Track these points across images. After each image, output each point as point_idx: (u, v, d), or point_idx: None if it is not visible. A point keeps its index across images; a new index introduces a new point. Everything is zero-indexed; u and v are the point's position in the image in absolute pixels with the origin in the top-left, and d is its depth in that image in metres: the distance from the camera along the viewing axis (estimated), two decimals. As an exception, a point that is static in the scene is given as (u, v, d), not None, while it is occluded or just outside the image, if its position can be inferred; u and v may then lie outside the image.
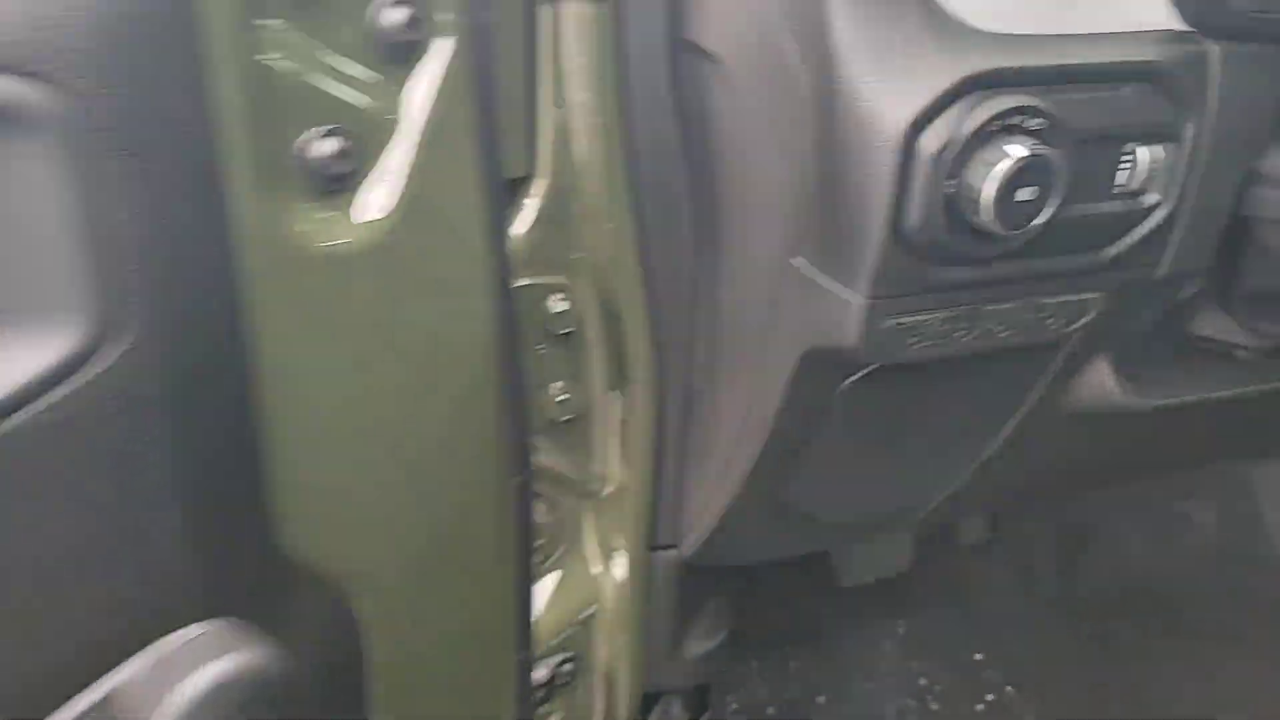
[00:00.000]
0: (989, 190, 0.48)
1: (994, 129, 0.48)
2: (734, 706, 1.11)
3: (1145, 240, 0.56)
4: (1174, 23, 0.55)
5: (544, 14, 0.59)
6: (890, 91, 0.48)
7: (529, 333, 0.68)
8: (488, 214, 0.52)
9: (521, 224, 0.66)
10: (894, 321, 0.53)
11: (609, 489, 0.78)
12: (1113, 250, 0.55)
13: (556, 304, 0.70)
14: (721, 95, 0.57)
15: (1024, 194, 0.48)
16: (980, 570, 1.25)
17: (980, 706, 1.14)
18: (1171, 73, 0.52)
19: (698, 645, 0.84)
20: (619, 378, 0.72)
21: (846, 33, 0.49)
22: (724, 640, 0.87)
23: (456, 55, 0.47)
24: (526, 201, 0.66)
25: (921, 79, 0.48)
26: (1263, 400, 0.75)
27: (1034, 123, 0.49)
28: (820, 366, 0.58)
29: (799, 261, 0.55)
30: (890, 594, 1.21)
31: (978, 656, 1.18)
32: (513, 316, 0.55)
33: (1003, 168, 0.47)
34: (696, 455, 0.71)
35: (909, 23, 0.49)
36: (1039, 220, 0.50)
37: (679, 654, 0.83)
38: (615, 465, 0.77)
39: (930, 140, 0.48)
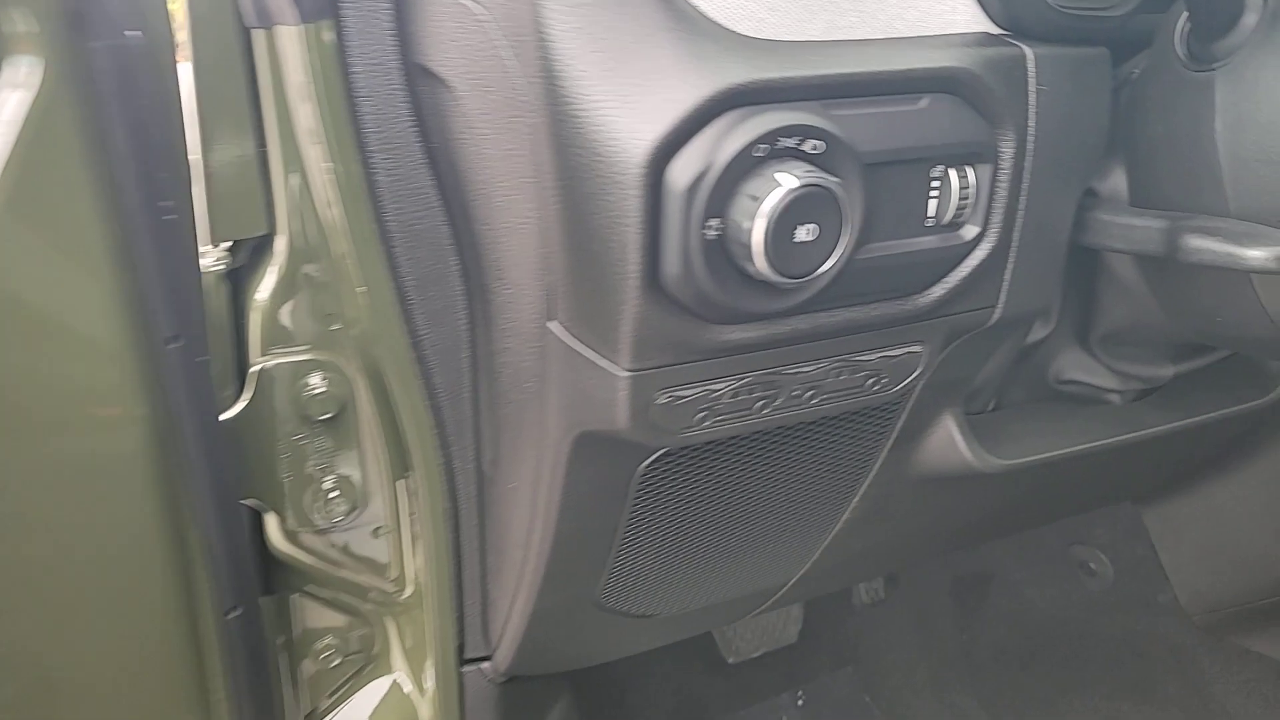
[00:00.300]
0: (758, 231, 0.38)
1: (761, 154, 0.39)
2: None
3: (971, 280, 0.47)
4: (983, 24, 0.46)
5: (259, 40, 0.49)
6: (627, 112, 0.38)
7: (280, 420, 0.57)
8: (109, 287, 0.42)
9: (263, 291, 0.55)
10: (669, 396, 0.43)
11: (407, 592, 0.66)
12: (932, 294, 0.46)
13: (315, 384, 0.59)
14: (460, 127, 0.47)
15: (803, 233, 0.39)
16: (878, 628, 1.16)
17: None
18: (981, 82, 0.43)
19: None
20: (400, 466, 0.61)
21: (567, 40, 0.39)
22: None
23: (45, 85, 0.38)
24: (268, 265, 0.55)
25: (665, 95, 0.38)
26: (1140, 446, 0.66)
27: (812, 146, 0.39)
28: (604, 449, 0.48)
29: (555, 327, 0.45)
30: (786, 662, 1.12)
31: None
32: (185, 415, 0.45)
33: (771, 202, 0.38)
34: (495, 550, 0.60)
35: (646, 24, 0.39)
36: (828, 266, 0.40)
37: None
38: (410, 565, 0.66)
39: (681, 171, 0.38)
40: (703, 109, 0.38)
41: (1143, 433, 0.63)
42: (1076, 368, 0.62)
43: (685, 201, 0.38)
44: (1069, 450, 0.60)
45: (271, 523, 0.60)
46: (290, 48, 0.48)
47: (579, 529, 0.52)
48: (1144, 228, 0.47)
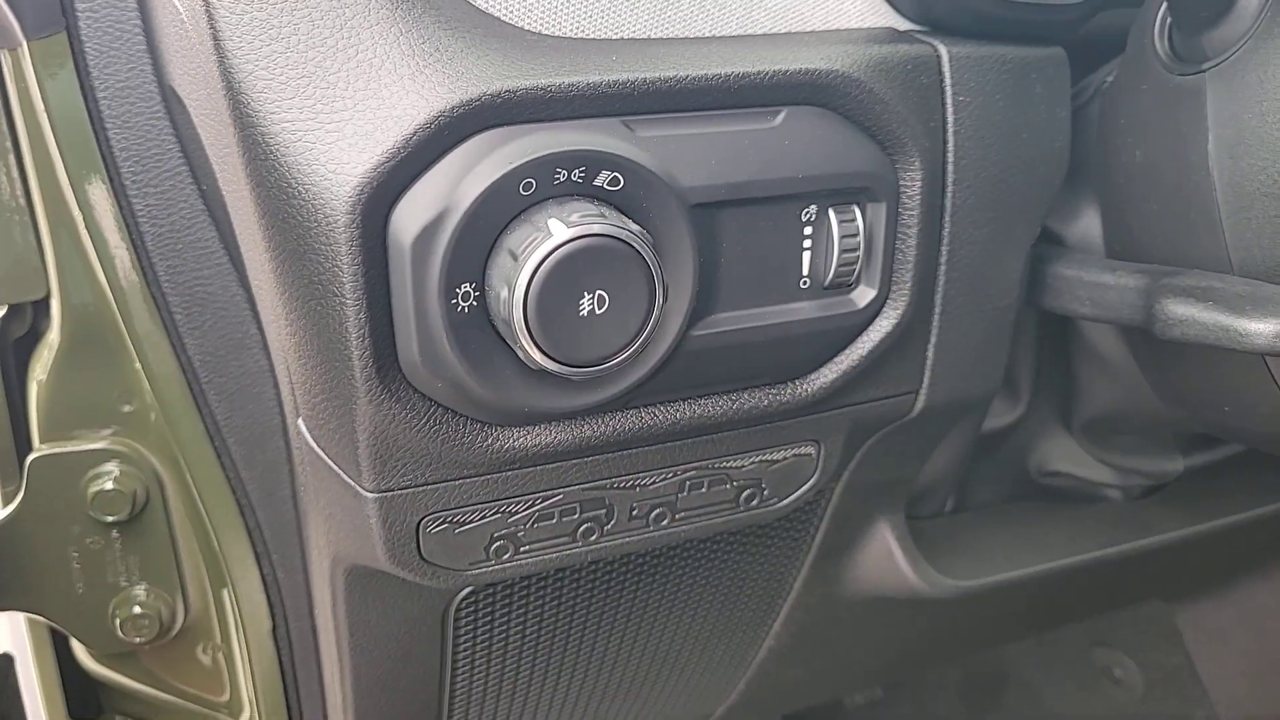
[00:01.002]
0: (515, 302, 0.27)
1: (528, 193, 0.27)
2: None
3: (877, 359, 0.34)
4: (886, 16, 0.34)
5: (4, 63, 0.40)
6: (329, 135, 0.27)
7: (64, 521, 0.47)
8: None
9: (42, 365, 0.45)
10: (443, 523, 0.32)
11: (244, 715, 0.55)
12: (821, 378, 0.34)
13: (107, 478, 0.48)
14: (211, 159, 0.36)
15: (589, 303, 0.27)
16: (877, 733, 1.01)
17: None
18: (866, 90, 0.31)
19: None
20: (219, 576, 0.50)
21: (241, 35, 0.28)
22: None
23: None
24: (47, 333, 0.46)
25: (381, 109, 0.27)
26: (1157, 550, 0.53)
27: (608, 180, 0.28)
28: (390, 583, 0.36)
29: (302, 426, 0.33)
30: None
31: None
32: None
33: (531, 262, 0.26)
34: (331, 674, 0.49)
35: (358, 9, 0.28)
36: (630, 350, 0.28)
37: None
38: (244, 686, 0.55)
39: (409, 217, 0.27)
40: (438, 128, 0.26)
41: (1149, 540, 0.49)
42: (1062, 458, 0.49)
43: (417, 259, 0.27)
44: (1052, 562, 0.46)
45: (76, 640, 0.50)
46: (27, 70, 0.39)
47: (388, 675, 0.41)
48: (1117, 288, 0.34)
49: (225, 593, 0.51)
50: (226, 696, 0.54)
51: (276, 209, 0.28)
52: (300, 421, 0.33)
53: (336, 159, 0.27)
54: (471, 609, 0.38)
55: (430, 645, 0.39)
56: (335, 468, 0.31)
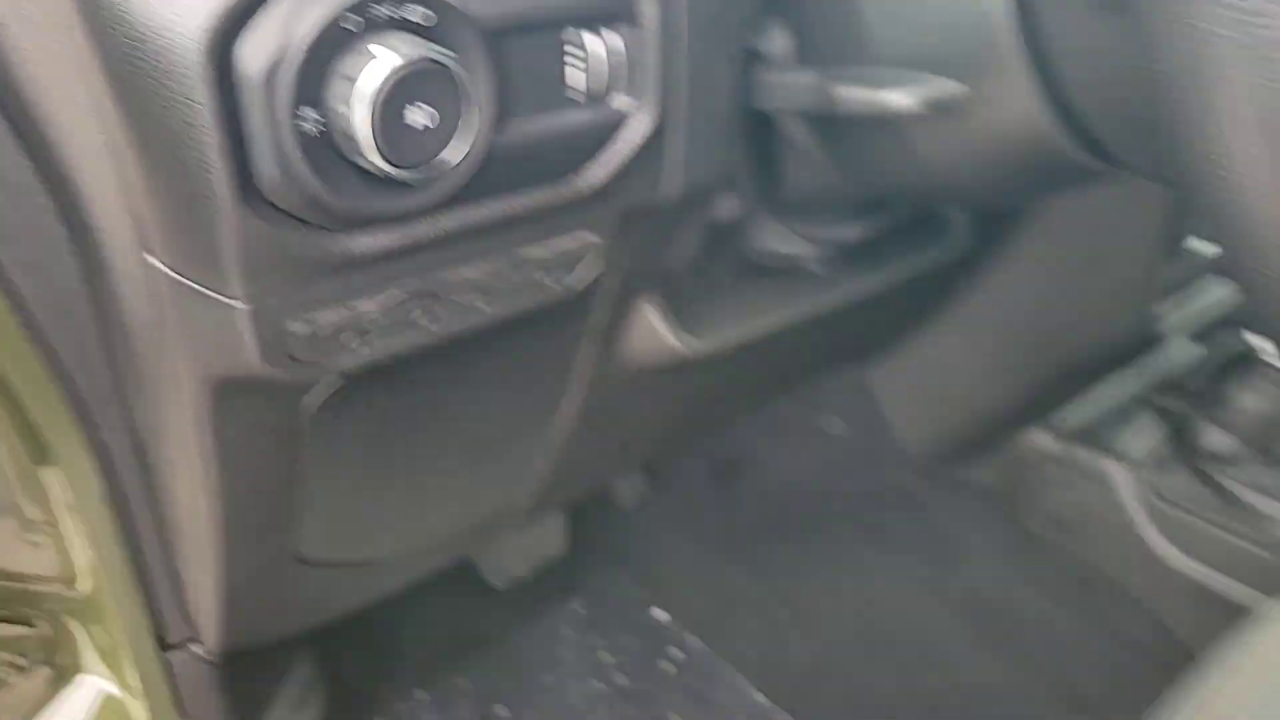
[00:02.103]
0: (360, 117, 0.33)
1: (353, 28, 0.33)
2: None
3: (635, 157, 0.43)
4: None
5: None
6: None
7: None
8: None
9: None
10: (306, 324, 0.38)
11: (85, 589, 0.58)
12: (593, 175, 0.43)
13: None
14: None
15: (420, 118, 0.34)
16: (646, 526, 1.18)
17: (668, 666, 1.07)
18: None
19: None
20: (38, 451, 0.52)
21: None
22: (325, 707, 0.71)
23: None
24: None
25: None
26: (849, 310, 0.68)
27: (422, 16, 0.34)
28: (255, 393, 0.41)
29: (153, 260, 0.38)
30: (559, 576, 1.11)
31: (658, 615, 1.11)
32: None
33: (372, 83, 0.33)
34: (174, 524, 0.53)
35: None
36: (454, 152, 0.36)
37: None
38: (80, 559, 0.57)
39: (253, 55, 0.32)
40: None
41: (843, 297, 0.64)
42: (773, 239, 0.62)
43: (265, 91, 0.32)
44: (773, 324, 0.59)
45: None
46: None
47: (251, 485, 0.46)
48: (797, 83, 0.46)
49: (47, 468, 0.53)
50: (65, 572, 0.56)
51: (123, 69, 0.32)
52: (151, 258, 0.37)
53: (179, 11, 0.31)
54: (327, 409, 0.44)
55: (291, 447, 0.45)
56: (202, 289, 0.36)
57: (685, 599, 1.10)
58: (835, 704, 1.00)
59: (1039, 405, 1.01)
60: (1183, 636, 0.55)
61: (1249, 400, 0.88)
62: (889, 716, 0.98)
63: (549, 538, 1.08)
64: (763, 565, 1.13)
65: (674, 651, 1.07)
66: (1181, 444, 0.95)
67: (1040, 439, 1.02)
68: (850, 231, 0.63)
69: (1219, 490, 0.90)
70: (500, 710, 1.01)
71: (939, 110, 0.42)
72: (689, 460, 1.17)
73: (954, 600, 1.07)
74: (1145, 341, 0.97)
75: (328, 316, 0.38)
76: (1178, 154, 0.34)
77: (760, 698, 1.02)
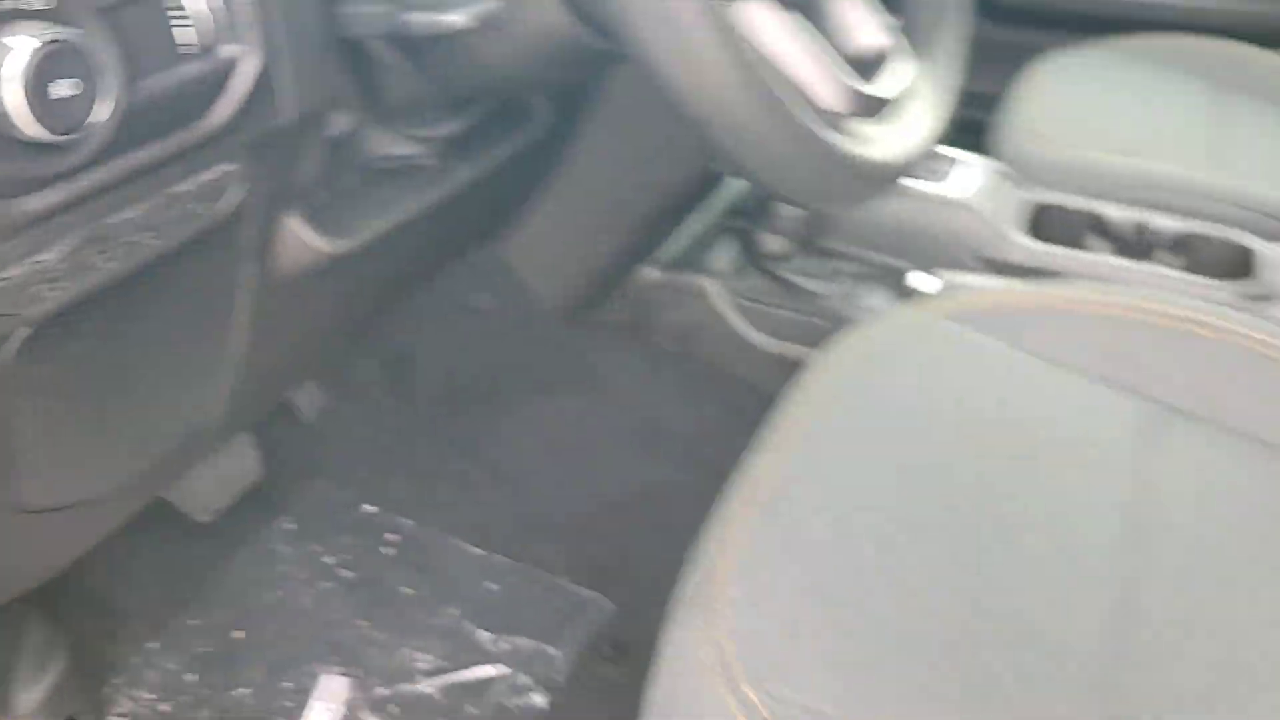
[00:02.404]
0: (13, 101, 0.40)
1: None
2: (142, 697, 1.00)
3: (250, 93, 0.52)
4: None
5: None
6: None
7: None
8: None
9: None
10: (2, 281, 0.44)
11: None
12: (219, 114, 0.51)
13: None
14: None
15: (62, 89, 0.41)
16: (333, 433, 1.25)
17: (388, 550, 1.17)
18: None
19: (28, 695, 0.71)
20: None
21: None
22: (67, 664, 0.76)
23: None
24: None
25: None
26: (468, 196, 0.80)
27: (37, 1, 0.41)
28: None
29: None
30: (257, 499, 1.17)
31: (367, 509, 1.20)
32: None
33: (13, 70, 0.39)
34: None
35: None
36: (99, 114, 0.43)
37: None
38: None
39: None
40: None
41: (457, 183, 0.76)
42: (386, 144, 0.72)
43: None
44: (402, 216, 0.71)
45: None
46: None
47: None
48: (373, 13, 0.56)
49: None
50: None
51: None
52: None
53: None
54: (21, 355, 0.50)
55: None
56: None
57: (387, 489, 1.20)
58: (538, 530, 1.17)
59: (644, 246, 1.22)
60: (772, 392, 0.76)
61: (786, 210, 1.14)
62: (583, 525, 1.17)
63: (244, 464, 1.13)
64: (450, 440, 1.26)
65: (390, 536, 1.18)
66: (750, 253, 1.20)
67: (650, 273, 1.23)
68: (450, 128, 0.75)
69: (782, 282, 1.16)
70: (236, 635, 1.07)
71: (486, 22, 0.55)
72: (361, 363, 1.25)
73: (615, 420, 1.28)
74: (710, 181, 1.19)
75: (15, 271, 0.44)
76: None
77: (477, 550, 1.16)
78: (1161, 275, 1.03)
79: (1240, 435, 0.73)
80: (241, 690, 1.01)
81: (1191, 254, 1.06)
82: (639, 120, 1.02)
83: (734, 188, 1.22)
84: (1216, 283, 1.02)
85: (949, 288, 0.84)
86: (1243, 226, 1.06)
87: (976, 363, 0.74)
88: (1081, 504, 0.64)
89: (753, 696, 0.51)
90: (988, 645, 0.55)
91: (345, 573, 1.14)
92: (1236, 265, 1.05)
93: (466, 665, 1.05)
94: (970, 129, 1.34)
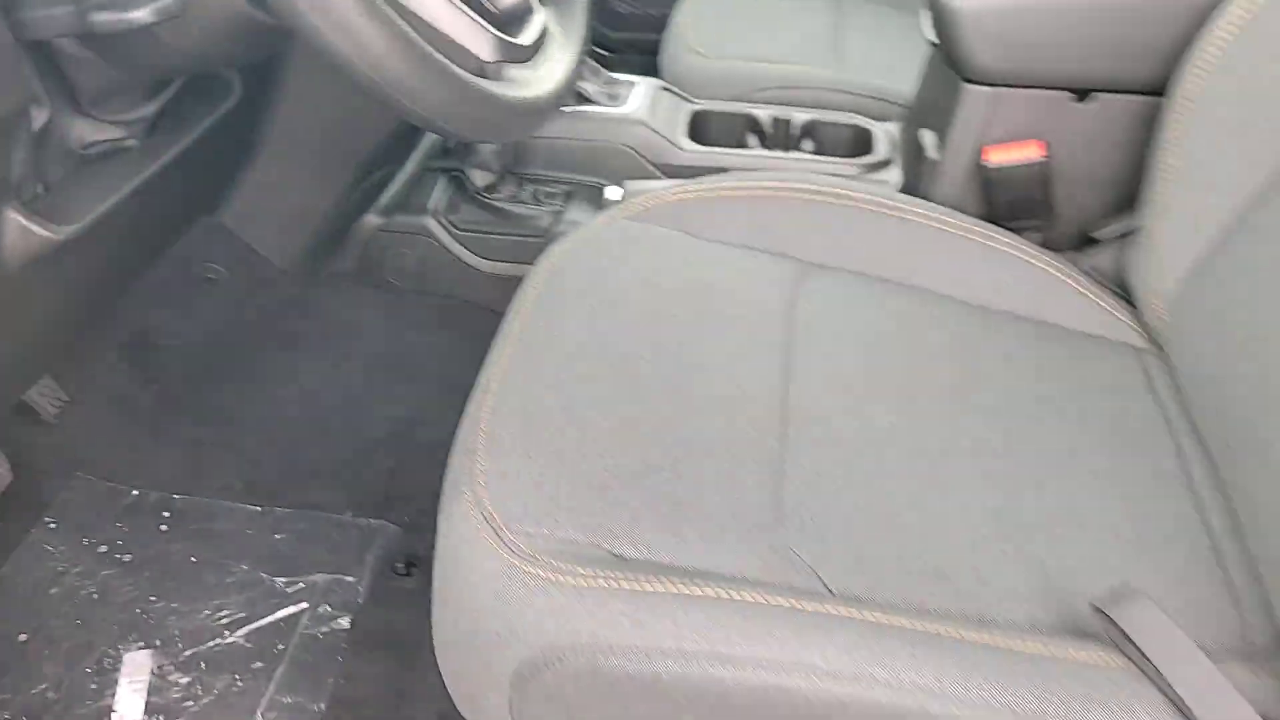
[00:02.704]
0: None
1: None
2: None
3: None
4: None
5: None
6: None
7: None
8: None
9: None
10: None
11: None
12: None
13: None
14: None
15: None
16: (82, 425, 1.25)
17: (164, 526, 1.19)
18: None
19: None
20: None
21: None
22: None
23: None
24: None
25: None
26: (175, 170, 0.85)
27: None
28: None
29: None
30: (17, 502, 1.15)
31: (135, 493, 1.22)
32: None
33: None
34: None
35: None
36: None
37: None
38: None
39: None
40: None
41: (165, 159, 0.81)
42: (90, 132, 0.76)
43: None
44: (118, 196, 0.75)
45: None
46: None
47: None
48: (53, 16, 0.61)
49: None
50: None
51: None
52: None
53: None
54: None
55: None
56: None
57: (151, 470, 1.22)
58: (312, 477, 1.24)
59: (362, 196, 1.29)
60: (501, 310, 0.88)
61: (486, 145, 1.25)
62: (355, 463, 1.25)
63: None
64: (206, 410, 1.29)
65: (163, 513, 1.20)
66: (462, 189, 1.30)
67: (373, 220, 1.31)
68: (149, 109, 0.80)
69: (494, 210, 1.28)
70: (22, 637, 1.07)
71: (167, 14, 0.61)
72: (99, 351, 1.25)
73: (364, 362, 1.35)
74: (413, 128, 1.27)
75: None
76: None
77: (255, 508, 1.21)
78: (801, 160, 1.24)
79: (864, 276, 0.94)
80: (40, 686, 1.03)
81: (823, 139, 1.28)
82: (332, 78, 1.09)
83: (433, 135, 1.31)
84: (844, 160, 1.24)
85: (633, 194, 0.98)
86: (860, 112, 1.30)
87: (656, 251, 0.89)
88: (747, 347, 0.82)
89: (516, 540, 0.64)
90: (684, 464, 0.71)
91: (124, 557, 1.16)
92: (859, 144, 1.28)
93: (267, 612, 1.12)
94: (650, 51, 1.51)
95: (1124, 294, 0.96)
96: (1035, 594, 0.67)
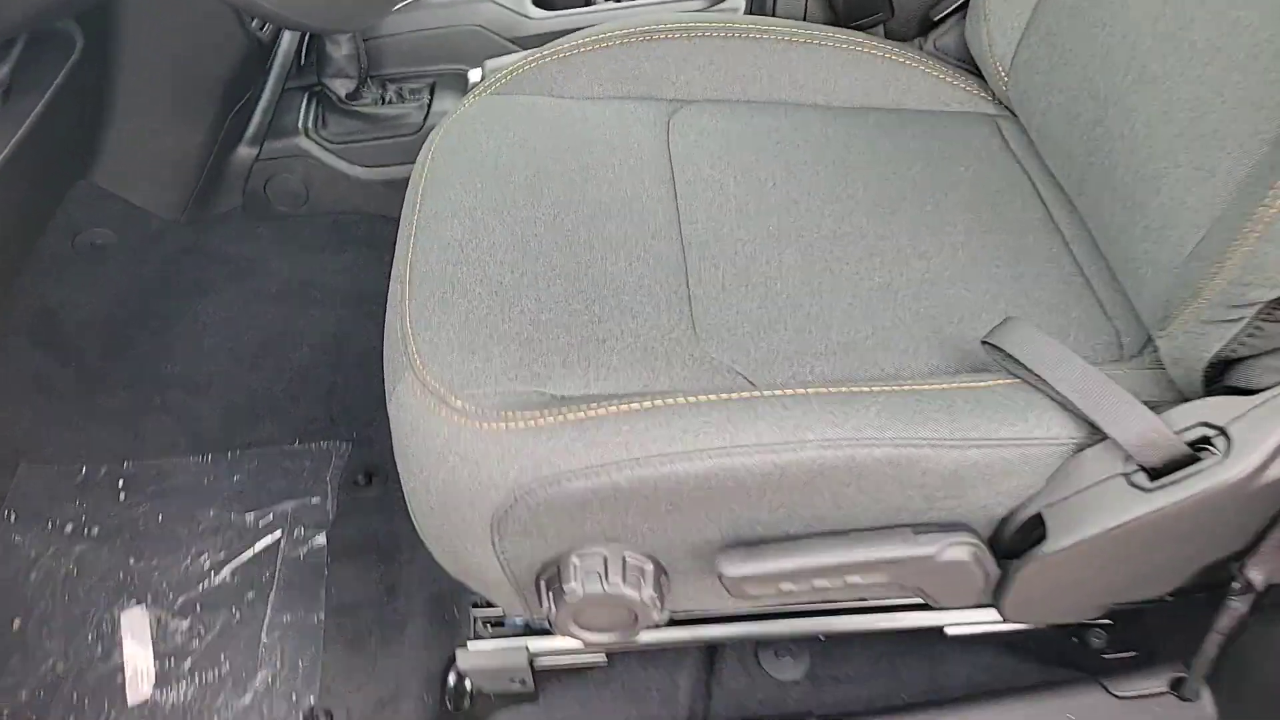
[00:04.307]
0: None
1: None
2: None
3: None
4: None
5: None
6: None
7: None
8: None
9: None
10: None
11: None
12: None
13: None
14: None
15: None
16: (9, 411, 1.25)
17: (120, 494, 1.21)
18: None
19: None
20: None
21: None
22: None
23: None
24: None
25: None
26: (43, 132, 0.84)
27: None
28: None
29: None
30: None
31: (85, 471, 1.23)
32: None
33: None
34: None
35: None
36: None
37: None
38: None
39: None
40: None
41: (23, 122, 0.81)
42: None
43: None
44: None
45: None
46: None
47: None
48: None
49: None
50: None
51: None
52: None
53: None
54: None
55: None
56: None
57: (93, 445, 1.23)
58: (253, 414, 1.26)
59: (232, 129, 1.27)
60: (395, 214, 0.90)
61: (339, 52, 1.23)
62: (292, 392, 1.28)
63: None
64: (133, 374, 1.29)
65: (118, 483, 1.22)
66: (327, 101, 1.29)
67: (247, 152, 1.29)
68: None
69: (364, 116, 1.28)
70: (15, 624, 1.10)
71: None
72: (11, 342, 1.23)
73: (277, 294, 1.36)
74: (263, 51, 1.25)
75: None
76: None
77: (206, 457, 1.23)
78: (642, 5, 1.26)
79: (728, 102, 0.98)
80: (48, 662, 1.07)
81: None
82: (170, 13, 1.07)
83: (285, 53, 1.29)
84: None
85: (493, 71, 1.00)
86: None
87: (527, 117, 0.92)
88: (634, 189, 0.86)
89: (464, 403, 0.69)
90: (599, 305, 0.76)
91: (92, 530, 1.18)
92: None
93: (245, 547, 1.16)
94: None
95: (971, 68, 1.02)
96: (932, 346, 0.75)
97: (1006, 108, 1.00)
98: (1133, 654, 0.95)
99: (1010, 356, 0.69)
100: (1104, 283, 0.81)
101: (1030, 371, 0.67)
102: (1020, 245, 0.84)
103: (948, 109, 1.00)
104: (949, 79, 1.01)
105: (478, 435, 0.66)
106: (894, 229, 0.85)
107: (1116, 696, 0.85)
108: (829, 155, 0.92)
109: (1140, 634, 0.95)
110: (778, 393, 0.67)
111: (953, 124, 0.98)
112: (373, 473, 1.21)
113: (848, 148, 0.93)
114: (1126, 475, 0.64)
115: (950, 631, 0.91)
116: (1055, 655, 0.97)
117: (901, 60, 1.00)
